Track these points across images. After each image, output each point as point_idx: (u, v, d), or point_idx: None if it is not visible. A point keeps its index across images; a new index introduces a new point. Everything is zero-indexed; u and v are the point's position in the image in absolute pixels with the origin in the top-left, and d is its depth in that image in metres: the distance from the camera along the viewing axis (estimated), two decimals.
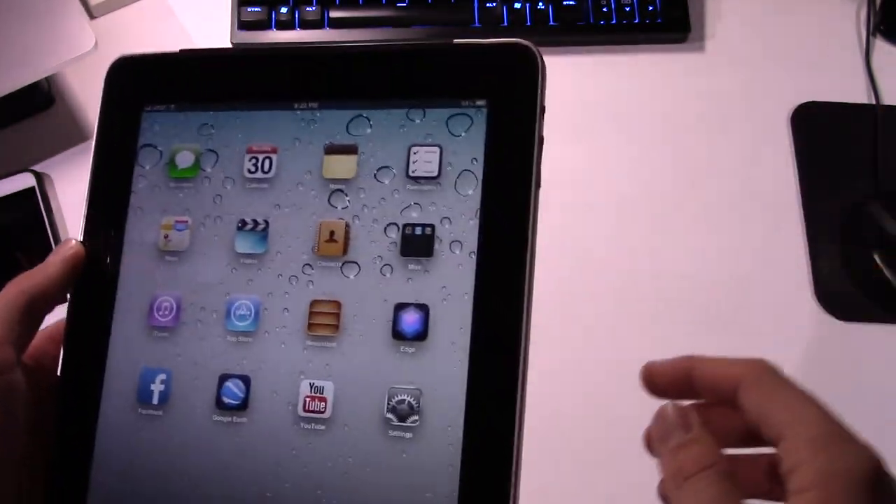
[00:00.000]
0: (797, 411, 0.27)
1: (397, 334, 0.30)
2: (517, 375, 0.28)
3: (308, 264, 0.31)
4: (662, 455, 0.28)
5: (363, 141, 0.32)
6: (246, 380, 0.31)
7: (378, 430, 0.29)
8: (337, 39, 0.67)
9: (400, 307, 0.30)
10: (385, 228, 0.31)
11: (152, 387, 0.32)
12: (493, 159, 0.30)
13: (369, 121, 0.32)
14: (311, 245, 0.32)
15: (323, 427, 0.30)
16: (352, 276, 0.31)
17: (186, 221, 0.33)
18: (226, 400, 0.31)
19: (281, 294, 0.31)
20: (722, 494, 0.26)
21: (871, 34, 0.69)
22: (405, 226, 0.31)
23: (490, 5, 0.67)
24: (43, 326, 0.33)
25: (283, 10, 0.67)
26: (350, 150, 0.32)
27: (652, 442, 0.28)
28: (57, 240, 0.60)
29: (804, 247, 0.63)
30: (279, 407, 0.31)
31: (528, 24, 0.67)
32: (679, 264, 0.62)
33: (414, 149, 0.31)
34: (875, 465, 0.26)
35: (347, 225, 0.31)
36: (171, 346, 0.32)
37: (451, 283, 0.30)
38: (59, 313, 0.33)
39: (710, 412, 0.29)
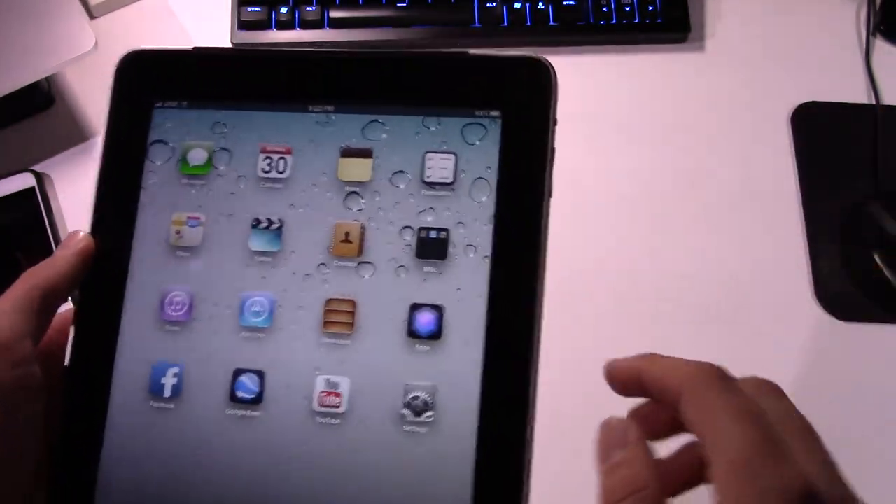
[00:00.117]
0: (722, 432, 0.25)
1: (412, 333, 0.31)
2: (530, 373, 0.29)
3: (323, 263, 0.32)
4: (599, 472, 0.27)
5: (378, 145, 0.32)
6: (260, 374, 0.31)
7: (393, 424, 0.30)
8: (337, 39, 0.67)
9: (415, 307, 0.31)
10: (400, 231, 0.32)
11: (164, 380, 0.32)
12: (507, 168, 0.31)
13: (384, 126, 0.32)
14: (326, 245, 0.32)
15: (338, 421, 0.30)
16: (367, 277, 0.32)
17: (199, 218, 0.33)
18: (240, 394, 0.31)
19: (296, 292, 0.32)
20: None
21: (871, 34, 0.69)
22: (420, 229, 0.32)
23: (490, 5, 0.67)
24: None
25: (283, 10, 0.67)
26: (365, 153, 0.32)
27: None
28: (57, 240, 0.60)
29: (804, 247, 0.63)
30: (294, 401, 0.31)
31: (528, 24, 0.67)
32: (679, 264, 0.62)
33: (429, 155, 0.32)
34: (802, 486, 0.24)
35: (363, 226, 0.32)
36: (183, 340, 0.32)
37: (466, 285, 0.31)
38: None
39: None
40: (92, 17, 0.68)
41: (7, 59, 0.58)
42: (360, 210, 0.32)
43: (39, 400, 0.30)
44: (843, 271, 0.62)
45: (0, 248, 0.60)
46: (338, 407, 0.31)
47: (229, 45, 0.67)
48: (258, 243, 0.32)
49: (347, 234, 0.32)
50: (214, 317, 0.32)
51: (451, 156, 0.32)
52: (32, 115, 0.65)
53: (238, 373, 0.31)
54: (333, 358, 0.31)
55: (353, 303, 0.31)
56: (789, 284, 0.62)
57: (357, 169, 0.32)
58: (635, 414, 0.29)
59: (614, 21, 0.68)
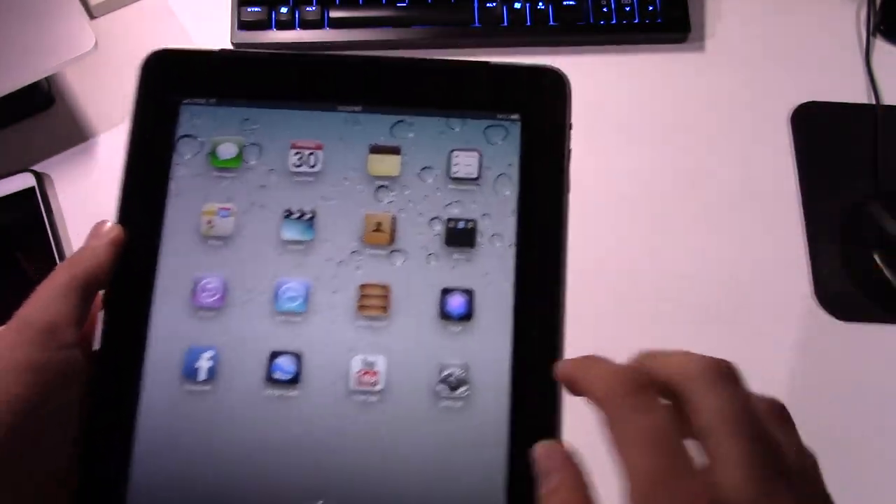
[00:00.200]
0: (627, 460, 0.25)
1: (445, 315, 0.33)
2: (557, 347, 0.32)
3: (356, 251, 0.33)
4: (537, 497, 0.28)
5: (406, 143, 0.34)
6: (297, 356, 0.32)
7: (429, 401, 0.32)
8: (337, 40, 0.67)
9: (446, 291, 0.33)
10: (429, 221, 0.34)
11: (198, 364, 0.32)
12: (528, 166, 0.34)
13: (411, 126, 0.34)
14: (358, 234, 0.34)
15: (375, 399, 0.32)
16: (399, 263, 0.33)
17: (230, 208, 0.34)
18: (276, 375, 0.32)
19: (329, 278, 0.33)
20: None
21: (871, 34, 0.69)
22: (448, 220, 0.34)
23: (490, 5, 0.67)
24: None
25: (283, 10, 0.67)
26: (394, 150, 0.34)
27: None
28: (57, 240, 0.60)
29: (804, 247, 0.63)
30: (331, 381, 0.32)
31: (528, 24, 0.67)
32: (679, 264, 0.62)
33: (455, 153, 0.34)
34: None
35: (393, 217, 0.34)
36: (217, 325, 0.33)
37: (493, 270, 0.33)
38: None
39: None
40: (92, 17, 0.68)
41: (7, 59, 0.58)
42: (390, 202, 0.34)
43: (80, 384, 0.31)
44: (843, 271, 0.62)
45: (0, 248, 0.60)
46: (375, 385, 0.32)
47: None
48: (291, 233, 0.34)
49: (379, 224, 0.34)
50: (249, 302, 0.33)
51: (476, 153, 0.34)
52: (32, 115, 0.65)
53: (274, 355, 0.32)
54: (369, 339, 0.33)
55: (386, 287, 0.33)
56: (789, 284, 0.62)
57: (386, 165, 0.34)
58: None
59: (614, 21, 0.68)
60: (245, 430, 0.32)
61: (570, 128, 0.34)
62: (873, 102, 0.67)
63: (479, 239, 0.33)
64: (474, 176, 0.34)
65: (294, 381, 0.32)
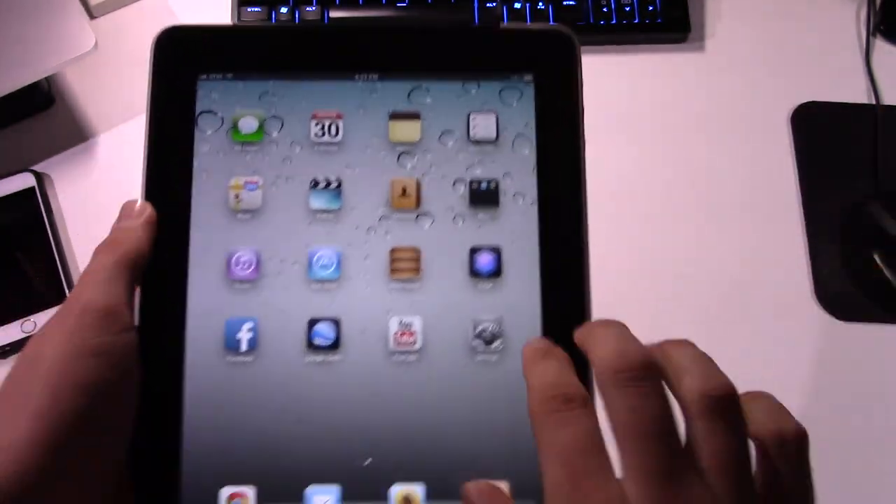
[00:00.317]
0: (542, 471, 0.26)
1: (474, 273, 0.34)
2: (585, 296, 0.33)
3: (384, 217, 0.34)
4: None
5: (425, 109, 0.35)
6: (335, 322, 0.33)
7: (466, 356, 0.33)
8: None
9: (474, 250, 0.34)
10: (453, 184, 0.35)
11: (239, 335, 0.33)
12: (544, 124, 0.35)
13: (428, 91, 0.35)
14: (384, 200, 0.34)
15: (415, 358, 0.33)
16: (427, 226, 0.34)
17: (257, 182, 0.34)
18: (317, 341, 0.33)
19: (361, 243, 0.34)
20: None
21: (871, 34, 0.69)
22: (471, 181, 0.35)
23: (490, 5, 0.67)
24: None
25: (284, 10, 0.67)
26: (413, 116, 0.35)
27: None
28: (57, 240, 0.60)
29: (804, 247, 0.63)
30: (371, 343, 0.33)
31: (528, 23, 0.67)
32: (679, 264, 0.62)
33: (472, 115, 0.35)
34: None
35: (418, 182, 0.35)
36: (254, 296, 0.34)
37: (519, 227, 0.34)
38: None
39: None
40: (92, 17, 0.68)
41: (7, 59, 0.58)
42: (413, 167, 0.35)
43: (140, 366, 0.31)
44: (843, 271, 0.62)
45: (0, 248, 0.60)
46: (413, 345, 0.33)
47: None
48: (319, 202, 0.34)
49: (404, 189, 0.34)
50: (283, 273, 0.34)
51: (493, 115, 0.35)
52: (32, 115, 0.65)
53: (313, 322, 0.33)
54: (404, 301, 0.34)
55: (416, 250, 0.34)
56: (789, 284, 0.62)
57: (407, 130, 0.35)
58: None
59: (614, 21, 0.68)
60: (290, 396, 0.33)
61: (582, 86, 0.35)
62: (873, 102, 0.67)
63: (502, 198, 0.34)
64: (493, 137, 0.35)
65: (334, 346, 0.33)
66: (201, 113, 0.35)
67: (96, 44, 0.59)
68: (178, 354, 0.33)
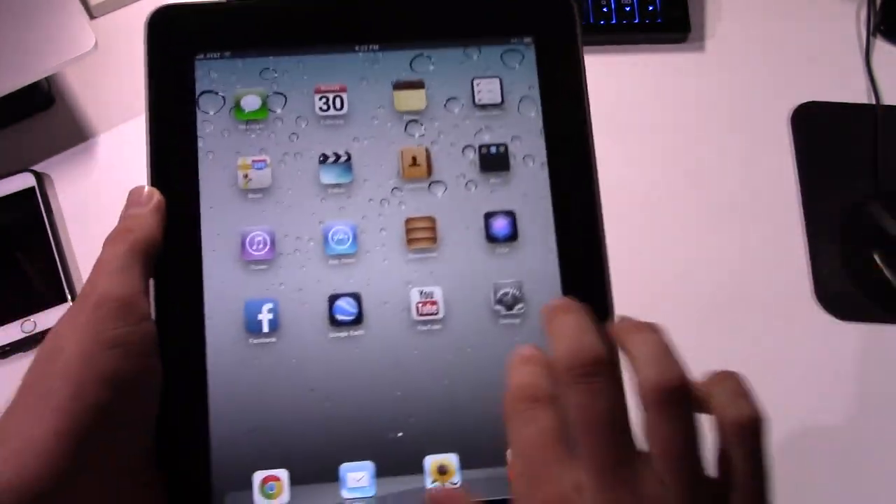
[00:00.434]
0: (509, 467, 0.28)
1: (491, 238, 0.34)
2: (601, 252, 0.33)
3: (396, 188, 0.34)
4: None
5: (428, 76, 0.35)
6: (356, 296, 0.33)
7: (489, 321, 0.33)
8: None
9: (489, 215, 0.34)
10: (462, 150, 0.35)
11: (260, 316, 0.33)
12: (548, 85, 0.35)
13: (430, 59, 0.35)
14: (395, 170, 0.34)
15: (438, 326, 0.33)
16: (440, 195, 0.34)
17: (265, 160, 0.34)
18: (339, 317, 0.33)
19: (375, 216, 0.34)
20: None
21: (871, 34, 0.69)
22: (480, 146, 0.35)
23: None
24: None
25: None
26: (417, 84, 0.35)
27: None
28: (57, 240, 0.60)
29: (804, 247, 0.63)
30: (393, 315, 0.33)
31: None
32: (679, 264, 0.62)
33: (476, 80, 0.35)
34: None
35: (427, 150, 0.34)
36: (271, 276, 0.33)
37: (530, 189, 0.34)
38: None
39: None
40: (92, 17, 0.68)
41: (7, 59, 0.58)
42: (421, 136, 0.35)
43: (159, 355, 0.31)
44: (843, 271, 0.62)
45: (0, 248, 0.60)
46: (436, 314, 0.33)
47: None
48: (329, 177, 0.34)
49: (415, 158, 0.34)
50: (299, 250, 0.34)
51: (497, 79, 0.35)
52: (32, 115, 0.65)
53: (334, 298, 0.33)
54: (423, 271, 0.33)
55: (431, 219, 0.34)
56: (789, 284, 0.62)
57: (412, 99, 0.35)
58: None
59: (614, 21, 0.68)
60: (316, 374, 0.32)
61: (582, 45, 0.35)
62: (873, 102, 0.67)
63: (512, 162, 0.34)
64: (498, 101, 0.35)
65: (357, 320, 0.33)
66: (202, 93, 0.34)
67: (96, 44, 0.59)
68: (199, 340, 0.32)
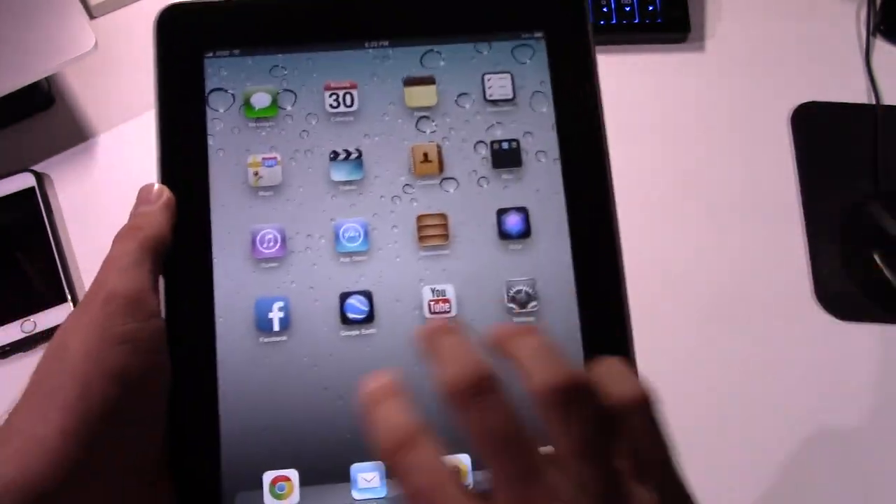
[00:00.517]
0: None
1: (504, 235, 0.34)
2: (616, 249, 0.33)
3: (408, 185, 0.34)
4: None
5: (439, 72, 0.35)
6: (367, 294, 0.33)
7: (502, 319, 0.33)
8: None
9: (502, 212, 0.34)
10: (474, 146, 0.34)
11: (270, 315, 0.33)
12: (560, 80, 0.35)
13: (441, 55, 0.35)
14: (407, 167, 0.34)
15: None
16: (452, 191, 0.34)
17: (275, 158, 0.34)
18: (351, 315, 0.33)
19: (386, 213, 0.34)
20: None
21: (871, 34, 0.69)
22: (492, 142, 0.34)
23: None
24: None
25: None
26: (428, 80, 0.35)
27: None
28: (57, 240, 0.60)
29: (804, 247, 0.63)
30: (405, 313, 0.33)
31: None
32: (679, 264, 0.62)
33: (487, 76, 0.35)
34: None
35: (438, 146, 0.34)
36: (282, 274, 0.33)
37: (543, 186, 0.34)
38: None
39: None
40: (92, 17, 0.68)
41: (7, 59, 0.58)
42: (433, 132, 0.34)
43: (168, 352, 0.31)
44: (843, 271, 0.62)
45: (0, 248, 0.60)
46: (448, 312, 0.33)
47: None
48: (340, 174, 0.34)
49: (426, 154, 0.34)
50: (310, 248, 0.33)
51: (508, 75, 0.35)
52: (32, 115, 0.65)
53: (345, 296, 0.33)
54: (435, 268, 0.33)
55: (443, 216, 0.34)
56: (789, 284, 0.62)
57: (423, 95, 0.35)
58: None
59: (614, 21, 0.68)
60: (328, 373, 0.32)
61: (593, 39, 0.35)
62: (873, 102, 0.67)
63: (524, 157, 0.34)
64: (510, 97, 0.35)
65: (369, 318, 0.33)
66: (211, 91, 0.34)
67: (96, 44, 0.59)
68: (209, 338, 0.32)
